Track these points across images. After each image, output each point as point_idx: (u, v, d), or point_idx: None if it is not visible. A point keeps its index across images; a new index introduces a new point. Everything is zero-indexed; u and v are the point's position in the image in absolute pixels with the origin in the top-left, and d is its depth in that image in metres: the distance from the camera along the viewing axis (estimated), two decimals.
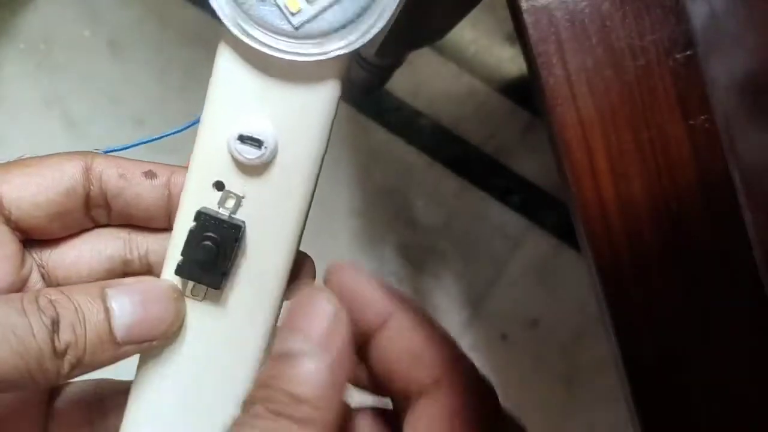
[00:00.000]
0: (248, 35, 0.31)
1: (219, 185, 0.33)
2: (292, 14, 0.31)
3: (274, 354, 0.31)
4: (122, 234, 0.36)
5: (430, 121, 0.99)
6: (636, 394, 0.33)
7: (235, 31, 0.31)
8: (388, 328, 0.33)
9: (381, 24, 0.31)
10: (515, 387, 0.94)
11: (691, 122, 0.32)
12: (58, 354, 0.31)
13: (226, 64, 0.32)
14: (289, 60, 0.31)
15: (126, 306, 0.32)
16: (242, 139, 0.32)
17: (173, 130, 0.36)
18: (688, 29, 0.32)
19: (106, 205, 0.35)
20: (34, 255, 0.35)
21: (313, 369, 0.30)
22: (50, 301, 0.31)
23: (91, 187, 0.35)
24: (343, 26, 0.31)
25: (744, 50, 0.29)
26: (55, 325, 0.31)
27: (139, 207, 0.35)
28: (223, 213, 0.33)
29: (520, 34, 0.34)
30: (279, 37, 0.31)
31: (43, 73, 0.99)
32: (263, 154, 0.32)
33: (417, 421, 0.32)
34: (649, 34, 0.32)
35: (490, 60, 1.00)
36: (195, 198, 0.33)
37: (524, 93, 0.98)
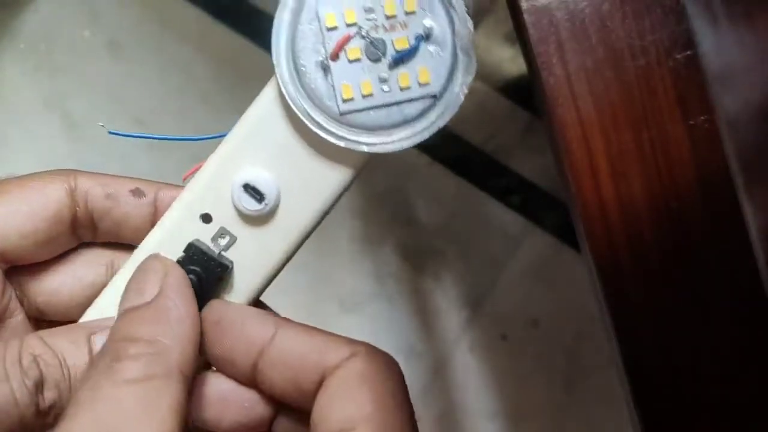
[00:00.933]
0: (294, 99, 0.32)
1: (206, 217, 0.33)
2: (343, 100, 0.31)
3: (117, 317, 0.31)
4: (105, 259, 0.35)
5: None
6: (636, 394, 0.33)
7: (285, 90, 0.32)
8: (281, 334, 0.32)
9: (414, 141, 0.32)
10: (515, 387, 0.94)
11: (691, 122, 0.32)
12: (42, 413, 0.30)
13: (264, 110, 0.33)
14: (321, 136, 0.32)
15: None
16: (246, 187, 0.33)
17: (196, 137, 0.36)
18: (688, 29, 0.32)
19: (92, 225, 0.34)
20: (15, 281, 0.34)
21: (140, 311, 0.30)
22: (34, 358, 0.30)
23: (77, 208, 0.34)
24: (383, 128, 0.32)
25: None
26: (39, 386, 0.30)
27: (127, 226, 0.34)
28: (214, 249, 0.34)
29: (520, 33, 0.34)
30: (321, 113, 0.32)
31: (43, 73, 0.99)
32: (260, 210, 0.33)
33: (328, 391, 0.31)
34: (649, 34, 0.32)
35: (490, 60, 1.00)
36: (179, 223, 0.33)
37: (524, 93, 0.98)
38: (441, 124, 0.32)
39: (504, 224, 0.98)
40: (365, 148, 0.32)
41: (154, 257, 0.33)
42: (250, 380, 0.33)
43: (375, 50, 0.31)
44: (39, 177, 0.34)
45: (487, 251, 0.97)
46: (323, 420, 0.30)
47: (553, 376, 0.94)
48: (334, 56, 0.31)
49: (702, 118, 0.32)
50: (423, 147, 1.01)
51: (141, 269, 0.32)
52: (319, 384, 0.31)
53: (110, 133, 0.35)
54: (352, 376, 0.31)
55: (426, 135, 0.32)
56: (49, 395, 0.30)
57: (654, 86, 0.32)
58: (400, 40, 0.31)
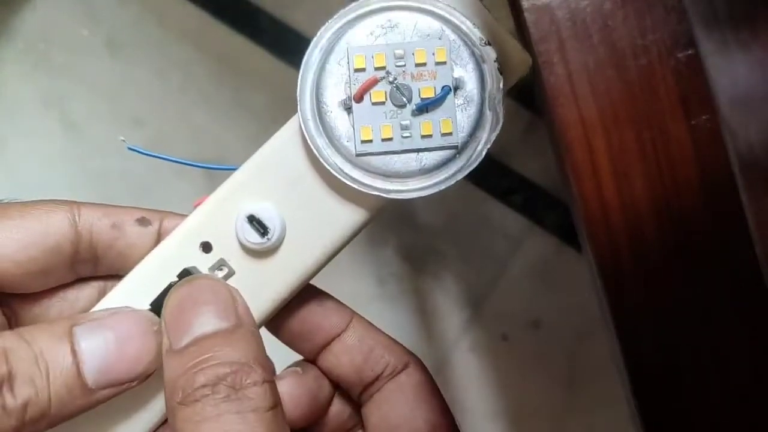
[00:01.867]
0: (312, 136, 0.31)
1: (207, 246, 0.32)
2: (362, 141, 0.31)
3: (181, 347, 0.29)
4: (97, 283, 0.34)
5: None
6: (637, 394, 0.33)
7: (304, 126, 0.31)
8: (356, 324, 0.35)
9: (430, 191, 0.31)
10: (516, 388, 0.94)
11: (693, 122, 0.32)
12: (10, 412, 0.27)
13: (281, 144, 0.32)
14: (335, 176, 0.31)
15: (98, 346, 0.29)
16: (251, 219, 0.32)
17: (223, 166, 0.35)
18: (689, 28, 0.32)
19: (94, 260, 0.33)
20: (3, 301, 0.32)
21: (243, 337, 0.29)
22: (3, 351, 0.27)
23: (81, 241, 0.32)
24: (399, 175, 0.32)
25: None
26: (5, 381, 0.27)
27: (132, 257, 0.33)
28: None
29: (520, 32, 0.34)
30: (338, 153, 0.31)
31: (42, 72, 0.99)
32: (263, 244, 0.32)
33: (389, 394, 0.34)
34: (651, 34, 0.32)
35: None
36: (178, 249, 0.32)
37: (525, 92, 0.98)
38: (459, 177, 0.31)
39: (505, 224, 0.97)
40: (379, 193, 0.31)
41: (207, 278, 0.32)
42: (313, 357, 0.35)
43: (400, 96, 0.31)
44: (42, 205, 0.32)
45: (488, 251, 0.97)
46: (384, 420, 0.34)
47: (555, 376, 0.94)
48: (359, 97, 0.31)
49: (704, 117, 0.32)
50: None
51: (202, 288, 0.31)
52: (377, 377, 0.34)
53: (129, 148, 0.34)
54: (413, 383, 0.34)
55: (442, 186, 0.31)
56: (21, 392, 0.27)
57: (656, 85, 0.32)
58: (426, 89, 0.31)
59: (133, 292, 0.32)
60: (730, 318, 0.33)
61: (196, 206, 0.33)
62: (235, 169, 0.33)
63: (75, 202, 0.33)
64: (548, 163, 0.96)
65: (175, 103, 0.96)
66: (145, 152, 0.34)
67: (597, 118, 0.32)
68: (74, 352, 0.28)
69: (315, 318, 0.34)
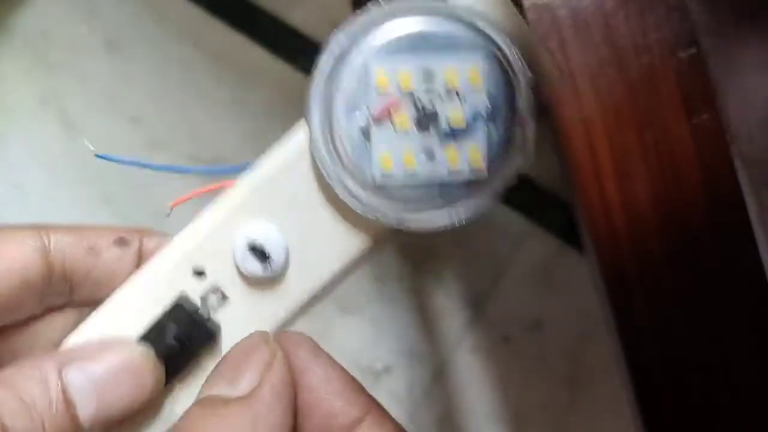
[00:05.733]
0: (325, 163, 0.28)
1: (199, 272, 0.30)
2: (382, 173, 0.28)
3: (196, 400, 0.27)
4: (72, 311, 0.31)
5: None
6: (639, 397, 0.33)
7: (315, 152, 0.28)
8: (368, 427, 0.27)
9: (450, 223, 0.29)
10: (517, 389, 0.94)
11: (695, 121, 0.32)
12: None
13: (287, 162, 0.29)
14: (347, 203, 0.28)
15: (91, 387, 0.26)
16: (252, 246, 0.29)
17: (197, 168, 0.33)
18: (691, 27, 0.32)
19: (68, 290, 0.30)
20: None
21: (234, 417, 0.25)
22: None
23: (53, 272, 0.29)
24: (418, 207, 0.29)
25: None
26: None
27: (111, 284, 0.30)
28: (203, 311, 0.30)
29: None
30: (353, 181, 0.28)
31: (40, 71, 0.98)
32: (264, 274, 0.29)
33: None
34: (653, 32, 0.32)
35: None
36: (168, 275, 0.29)
37: None
38: (482, 210, 0.29)
39: (506, 224, 0.97)
40: (399, 224, 0.29)
41: (261, 336, 0.28)
42: None
43: (426, 121, 0.28)
44: (6, 232, 0.29)
45: (489, 252, 0.97)
46: None
47: (556, 378, 0.94)
48: (379, 120, 0.28)
49: (706, 116, 0.32)
50: None
51: (242, 346, 0.27)
52: None
53: (97, 156, 0.32)
54: None
55: (463, 219, 0.29)
56: None
57: (658, 85, 0.32)
58: (456, 115, 0.28)
59: (117, 320, 0.29)
60: (733, 318, 0.33)
61: (174, 206, 0.30)
62: (221, 173, 0.30)
63: (43, 226, 0.29)
64: (549, 163, 0.96)
65: (173, 101, 0.96)
66: (116, 159, 0.32)
67: (598, 118, 0.32)
68: (67, 399, 0.26)
69: (314, 402, 0.27)
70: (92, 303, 0.30)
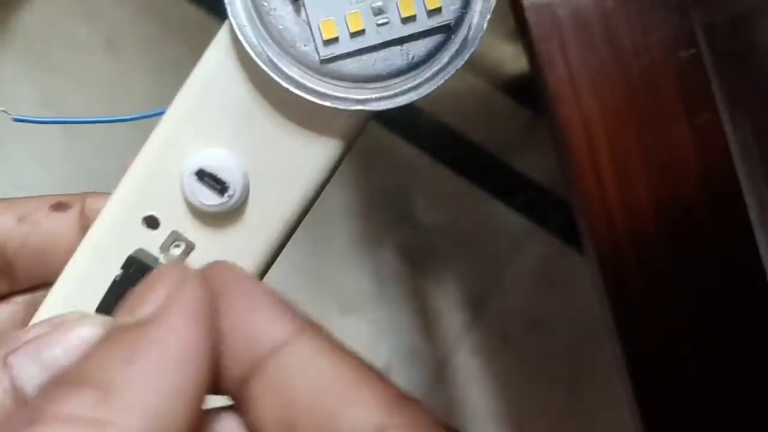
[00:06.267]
0: (255, 46, 0.23)
1: (152, 221, 0.25)
2: (324, 42, 0.23)
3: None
4: (22, 297, 0.27)
5: (431, 120, 0.99)
6: (638, 395, 0.33)
7: (241, 35, 0.23)
8: (296, 347, 0.21)
9: (424, 91, 0.24)
10: (517, 390, 0.94)
11: (695, 121, 0.32)
12: None
13: (214, 68, 0.25)
14: (297, 96, 0.23)
15: (42, 371, 0.21)
16: (201, 175, 0.24)
17: (128, 117, 0.28)
18: (691, 27, 0.32)
19: (7, 268, 0.26)
20: None
21: (119, 336, 0.20)
22: None
23: None
24: (380, 77, 0.24)
25: None
26: None
27: (54, 253, 0.26)
28: (164, 262, 0.25)
29: (522, 31, 0.33)
30: (294, 63, 0.23)
31: (39, 72, 0.98)
32: (223, 204, 0.24)
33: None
34: (653, 32, 0.32)
35: (491, 58, 0.99)
36: (115, 232, 0.25)
37: (527, 91, 0.98)
38: (458, 65, 0.23)
39: (506, 225, 0.97)
40: (361, 107, 0.23)
41: (174, 262, 0.24)
42: (234, 395, 0.22)
43: None
44: None
45: (489, 252, 0.97)
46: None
47: (556, 378, 0.94)
48: None
49: (706, 116, 0.32)
50: (423, 146, 1.00)
51: (150, 276, 0.22)
52: None
53: (15, 119, 0.28)
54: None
55: (439, 82, 0.23)
56: None
57: (657, 85, 0.32)
58: None
59: (72, 296, 0.26)
60: (733, 318, 0.33)
61: (128, 165, 0.26)
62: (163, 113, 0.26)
63: None
64: (550, 163, 0.96)
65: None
66: (34, 120, 0.28)
67: (598, 118, 0.32)
68: (17, 390, 0.21)
69: (233, 320, 0.22)
70: (39, 282, 0.27)
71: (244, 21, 0.23)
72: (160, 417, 0.19)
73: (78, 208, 0.26)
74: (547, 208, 0.97)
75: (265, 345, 0.21)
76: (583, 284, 0.90)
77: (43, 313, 0.25)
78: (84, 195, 0.27)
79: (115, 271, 0.25)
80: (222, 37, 0.24)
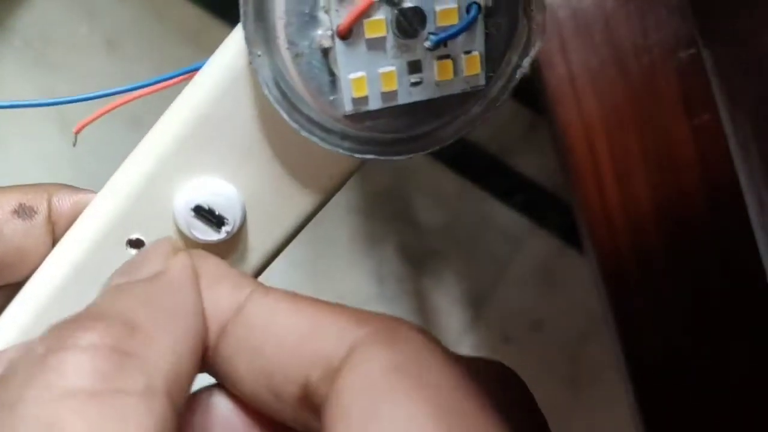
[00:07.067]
0: (277, 98, 0.21)
1: (136, 243, 0.23)
2: (353, 99, 0.20)
3: None
4: None
5: None
6: (638, 395, 0.33)
7: (263, 84, 0.21)
8: (254, 303, 0.21)
9: (441, 143, 0.22)
10: None
11: (695, 122, 0.32)
12: None
13: (219, 94, 0.23)
14: (312, 141, 0.21)
15: None
16: (199, 210, 0.22)
17: (103, 92, 0.25)
18: (691, 27, 0.31)
19: None
20: None
21: (128, 287, 0.21)
22: None
23: None
24: (401, 129, 0.22)
25: None
26: None
27: (23, 264, 0.23)
28: None
29: None
30: (314, 109, 0.21)
31: (39, 71, 0.98)
32: (220, 240, 0.23)
33: (345, 402, 0.19)
34: (653, 33, 0.32)
35: None
36: (99, 253, 0.23)
37: (527, 91, 0.98)
38: (483, 120, 0.22)
39: (506, 225, 0.97)
40: (376, 156, 0.22)
41: (166, 239, 0.23)
42: (211, 365, 0.22)
43: (407, 24, 0.20)
44: None
45: (489, 252, 0.97)
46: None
47: (557, 378, 0.94)
48: (345, 32, 0.20)
49: (706, 117, 0.32)
50: None
51: (144, 249, 0.23)
52: (306, 391, 0.20)
53: (1, 106, 0.25)
54: (375, 372, 0.19)
55: (461, 134, 0.22)
56: None
57: (657, 85, 0.32)
58: (447, 11, 0.20)
59: (46, 312, 0.23)
60: (732, 319, 0.32)
61: (78, 131, 0.24)
62: (141, 87, 0.24)
63: None
64: (550, 163, 0.96)
65: (171, 102, 0.96)
66: (6, 105, 0.25)
67: (598, 118, 0.32)
68: None
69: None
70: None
71: (264, 61, 0.21)
72: (178, 358, 0.19)
73: (44, 212, 0.24)
74: (547, 208, 0.97)
75: (227, 311, 0.21)
76: (584, 283, 0.90)
77: (7, 321, 0.23)
78: (46, 191, 0.24)
79: (94, 292, 0.22)
80: (230, 50, 0.23)
